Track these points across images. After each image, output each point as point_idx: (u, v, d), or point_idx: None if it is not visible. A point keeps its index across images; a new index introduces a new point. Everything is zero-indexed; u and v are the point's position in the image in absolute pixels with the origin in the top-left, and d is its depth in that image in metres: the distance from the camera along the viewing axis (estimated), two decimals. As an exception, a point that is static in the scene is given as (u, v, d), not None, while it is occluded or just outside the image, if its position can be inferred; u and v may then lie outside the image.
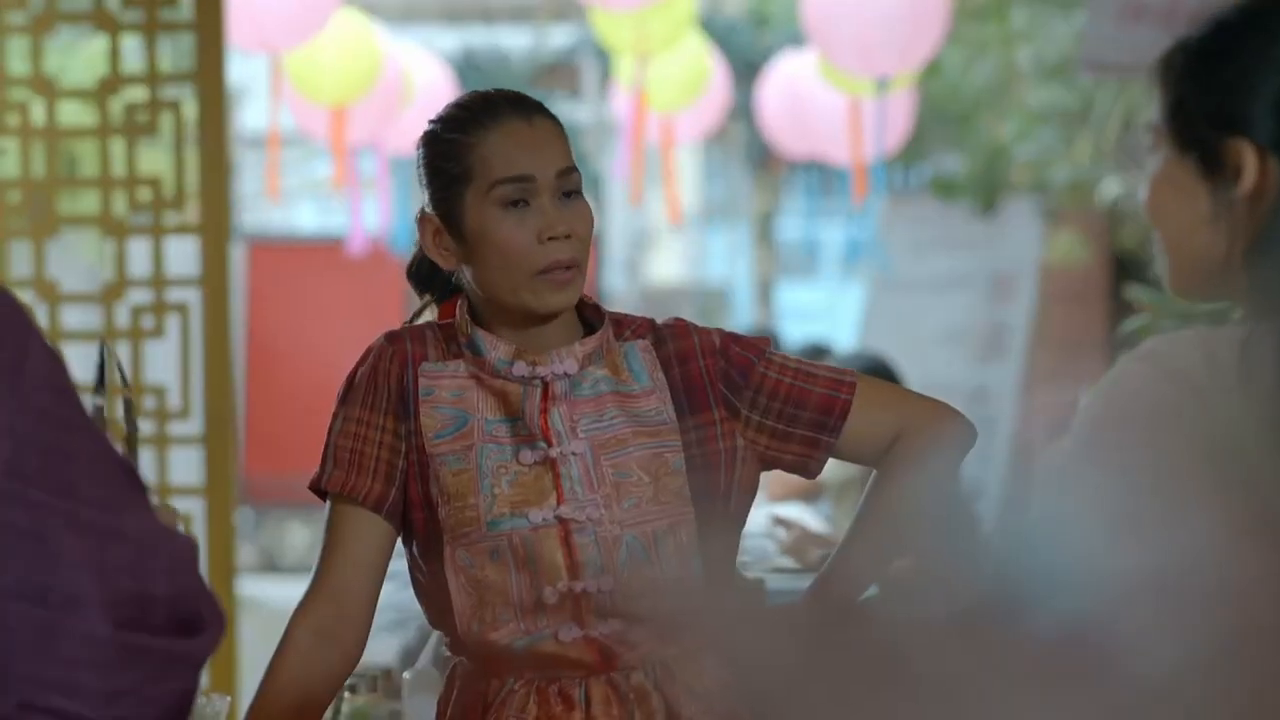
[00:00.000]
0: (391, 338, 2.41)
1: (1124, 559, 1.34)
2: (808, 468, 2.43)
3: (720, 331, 2.44)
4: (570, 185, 2.35)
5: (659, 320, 2.44)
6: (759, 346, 2.42)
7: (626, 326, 2.43)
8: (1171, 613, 1.31)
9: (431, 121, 2.39)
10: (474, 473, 2.33)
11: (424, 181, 2.39)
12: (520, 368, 2.34)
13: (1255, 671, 1.34)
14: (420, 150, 2.39)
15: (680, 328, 2.42)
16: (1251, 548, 1.35)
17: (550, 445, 2.33)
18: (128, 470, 1.52)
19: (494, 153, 2.33)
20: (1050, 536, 1.41)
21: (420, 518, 2.37)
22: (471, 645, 2.36)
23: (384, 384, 2.38)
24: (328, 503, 2.40)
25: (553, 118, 2.38)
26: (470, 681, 2.39)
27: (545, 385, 2.35)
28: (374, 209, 8.18)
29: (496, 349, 2.35)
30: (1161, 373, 1.46)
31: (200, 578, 1.53)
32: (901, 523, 2.41)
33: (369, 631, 2.41)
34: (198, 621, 1.51)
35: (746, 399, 2.39)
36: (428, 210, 2.38)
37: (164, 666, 1.49)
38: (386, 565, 2.41)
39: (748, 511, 2.43)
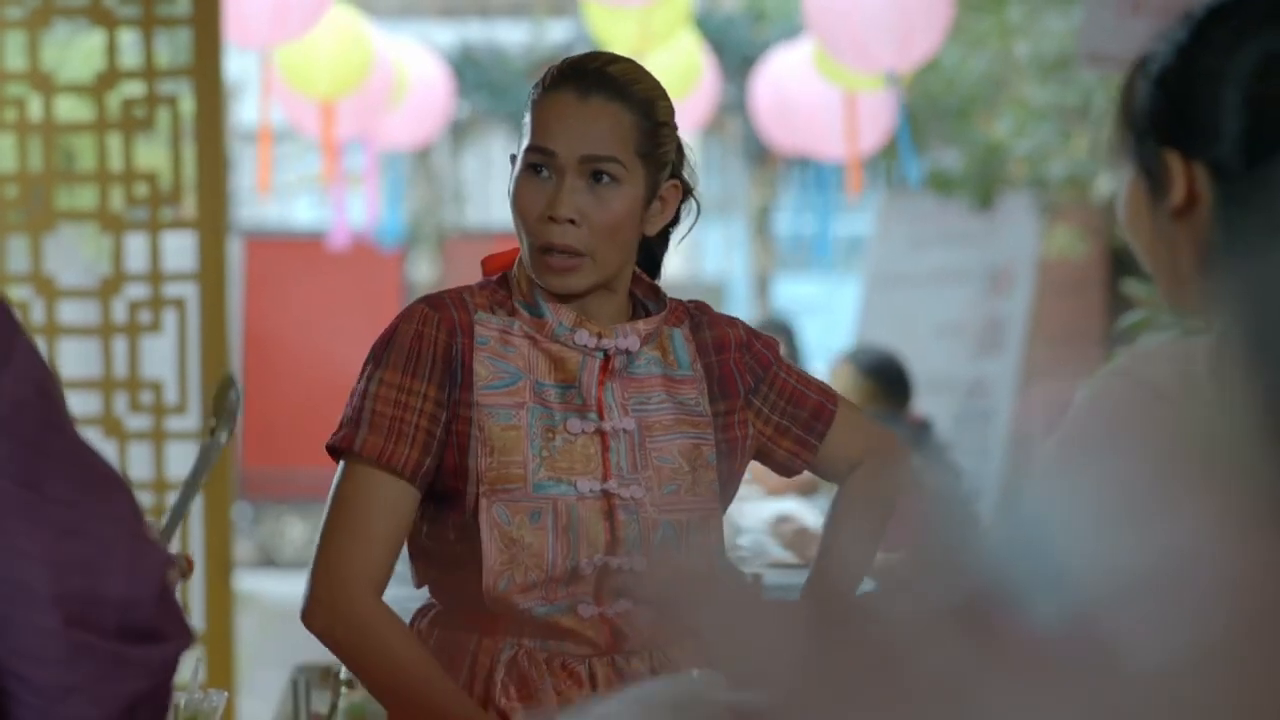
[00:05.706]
0: (435, 304, 2.36)
1: (1111, 558, 1.35)
2: (791, 466, 2.53)
3: (743, 323, 2.51)
4: (598, 170, 2.32)
5: (685, 302, 2.50)
6: (773, 345, 2.52)
7: (671, 311, 2.47)
8: (1162, 611, 1.32)
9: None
10: (523, 431, 2.32)
11: None
12: (583, 336, 2.35)
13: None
14: None
15: (712, 316, 2.49)
16: (1228, 553, 1.35)
17: (602, 418, 2.34)
18: (109, 477, 1.52)
19: (537, 117, 2.34)
20: (1046, 532, 1.41)
21: (449, 484, 2.33)
22: (490, 603, 2.32)
23: (428, 351, 2.33)
24: (342, 462, 2.35)
25: (620, 99, 2.32)
26: (451, 635, 2.37)
27: (606, 357, 2.36)
28: (362, 203, 8.17)
29: (560, 313, 2.35)
30: (1137, 385, 1.47)
31: (166, 592, 1.52)
32: (874, 514, 2.53)
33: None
34: (153, 633, 1.51)
35: (761, 392, 2.47)
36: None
37: (114, 668, 1.49)
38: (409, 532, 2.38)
39: (732, 500, 2.48)
